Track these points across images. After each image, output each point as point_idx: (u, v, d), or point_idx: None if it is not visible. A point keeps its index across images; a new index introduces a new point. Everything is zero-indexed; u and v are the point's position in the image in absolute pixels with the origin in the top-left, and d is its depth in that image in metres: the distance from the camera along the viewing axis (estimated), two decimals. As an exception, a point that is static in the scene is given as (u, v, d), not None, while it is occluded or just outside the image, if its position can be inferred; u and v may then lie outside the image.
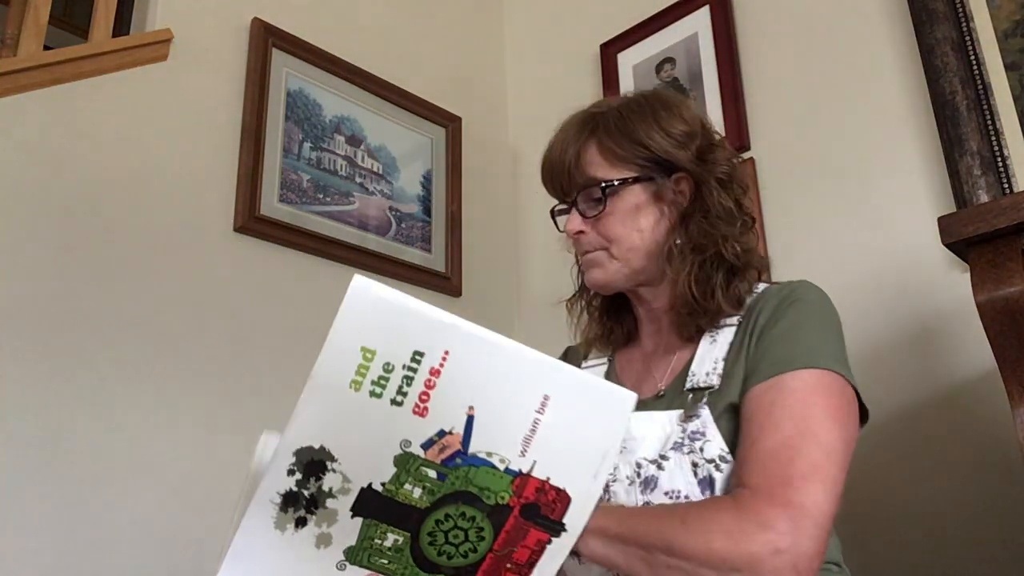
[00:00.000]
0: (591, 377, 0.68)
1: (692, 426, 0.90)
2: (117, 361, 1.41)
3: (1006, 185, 1.38)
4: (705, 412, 0.91)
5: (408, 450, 0.63)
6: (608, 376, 1.09)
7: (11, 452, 1.27)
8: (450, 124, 2.11)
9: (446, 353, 0.62)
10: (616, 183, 0.99)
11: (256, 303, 1.62)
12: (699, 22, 1.91)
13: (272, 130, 1.73)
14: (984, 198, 1.38)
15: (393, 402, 0.62)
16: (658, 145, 0.99)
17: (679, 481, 0.88)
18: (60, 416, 1.33)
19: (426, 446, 0.64)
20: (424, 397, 0.63)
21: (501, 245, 2.13)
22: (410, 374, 0.62)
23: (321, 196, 1.79)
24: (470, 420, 0.64)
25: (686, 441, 0.90)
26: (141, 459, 1.39)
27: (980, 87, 1.45)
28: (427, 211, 2.00)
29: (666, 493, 0.88)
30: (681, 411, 0.93)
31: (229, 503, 0.73)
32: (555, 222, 1.09)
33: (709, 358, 0.96)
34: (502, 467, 0.65)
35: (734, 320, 0.98)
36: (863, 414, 0.90)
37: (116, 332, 1.42)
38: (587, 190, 1.00)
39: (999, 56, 1.46)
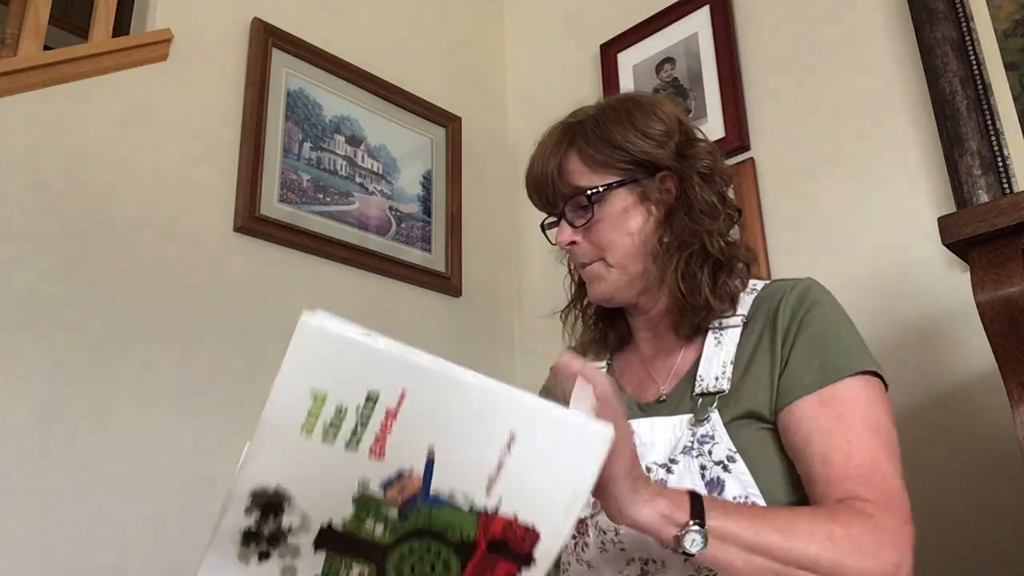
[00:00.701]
0: (564, 413, 0.63)
1: (702, 430, 0.91)
2: (117, 360, 1.41)
3: (1006, 185, 1.38)
4: (715, 416, 0.91)
5: (367, 492, 0.61)
6: None
7: (10, 452, 1.27)
8: (450, 124, 2.11)
9: (403, 393, 0.59)
10: (601, 189, 0.99)
11: (256, 303, 1.62)
12: (699, 22, 1.91)
13: (272, 130, 1.73)
14: (984, 198, 1.38)
15: (348, 446, 0.59)
16: (637, 147, 0.99)
17: (687, 484, 0.88)
18: (59, 415, 1.33)
19: (385, 486, 0.61)
20: (380, 440, 0.60)
21: (501, 245, 2.13)
22: (364, 417, 0.59)
23: (321, 196, 1.79)
24: (430, 462, 0.61)
25: (695, 445, 0.90)
26: (140, 458, 1.39)
27: (980, 87, 1.45)
28: (427, 211, 2.00)
29: None
30: (691, 415, 0.93)
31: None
32: (546, 235, 1.10)
33: (716, 362, 0.96)
34: (466, 506, 0.62)
35: (737, 320, 0.97)
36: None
37: (116, 332, 1.42)
38: (573, 200, 1.00)
39: (999, 56, 1.46)
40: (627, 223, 0.99)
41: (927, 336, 1.42)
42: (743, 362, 0.94)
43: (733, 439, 0.89)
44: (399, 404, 0.59)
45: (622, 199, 0.99)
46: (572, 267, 1.13)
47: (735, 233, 1.04)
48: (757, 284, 1.02)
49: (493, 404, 0.60)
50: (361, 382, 0.58)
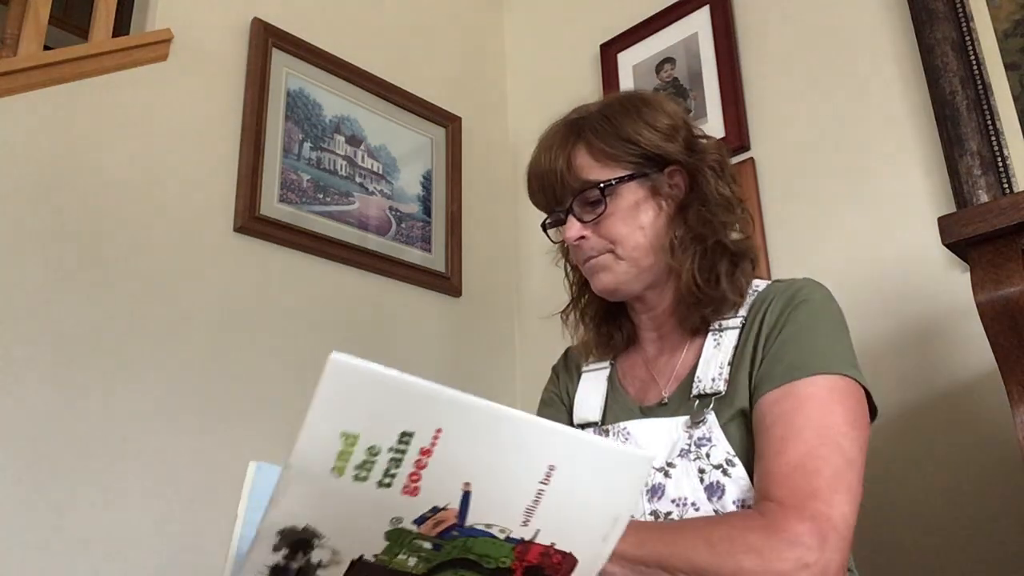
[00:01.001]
0: (603, 442, 0.64)
1: (698, 432, 0.90)
2: (116, 361, 1.41)
3: (1006, 185, 1.38)
4: (711, 418, 0.90)
5: (400, 526, 0.60)
6: (611, 382, 1.08)
7: (9, 452, 1.27)
8: (450, 124, 2.11)
9: (438, 431, 0.57)
10: (613, 182, 0.98)
11: (256, 303, 1.62)
12: (699, 22, 1.91)
13: (272, 130, 1.73)
14: (984, 198, 1.38)
15: (380, 484, 0.58)
16: (647, 140, 0.98)
17: (685, 488, 0.88)
18: (58, 415, 1.32)
19: (419, 522, 0.60)
20: (415, 477, 0.58)
21: (501, 245, 2.13)
22: (398, 456, 0.57)
23: (321, 196, 1.79)
24: (466, 496, 0.59)
25: (692, 448, 0.89)
26: (140, 458, 1.39)
27: (980, 87, 1.45)
28: (427, 211, 2.00)
29: (673, 500, 0.88)
30: (687, 417, 0.92)
31: (228, 504, 0.72)
32: (547, 235, 1.08)
33: (715, 363, 0.95)
34: (502, 536, 0.61)
35: (737, 322, 0.97)
36: (872, 412, 0.90)
37: (115, 332, 1.42)
38: (583, 194, 0.99)
39: (999, 56, 1.46)
40: (638, 217, 0.98)
41: (927, 336, 1.42)
42: (736, 362, 0.94)
43: (730, 440, 0.89)
44: (434, 442, 0.57)
45: (633, 192, 0.99)
46: (570, 267, 1.12)
47: (748, 228, 1.04)
48: (759, 285, 1.01)
49: (531, 437, 0.59)
50: (395, 421, 0.57)
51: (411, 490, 0.58)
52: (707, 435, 0.89)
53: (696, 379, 0.95)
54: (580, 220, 0.99)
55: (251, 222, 1.63)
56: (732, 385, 0.92)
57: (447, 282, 1.96)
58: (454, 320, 1.96)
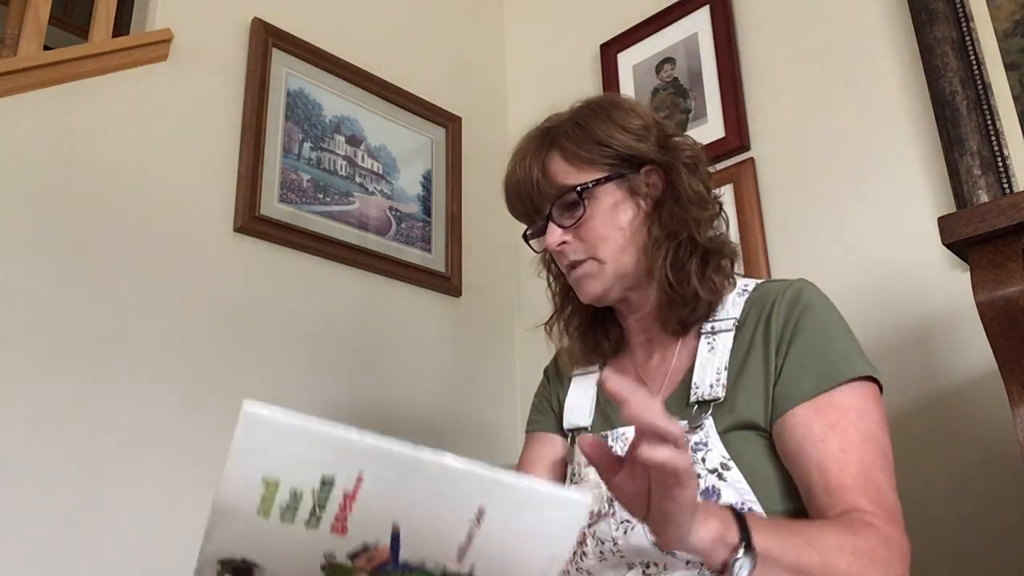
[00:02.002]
0: (537, 486, 0.61)
1: (695, 438, 0.90)
2: (116, 361, 1.41)
3: (1006, 185, 1.38)
4: (708, 423, 0.90)
5: (335, 561, 0.60)
6: (599, 392, 1.07)
7: (8, 451, 1.27)
8: (450, 124, 2.11)
9: (360, 475, 0.57)
10: (590, 184, 0.98)
11: (256, 303, 1.62)
12: (699, 22, 1.90)
13: (272, 130, 1.73)
14: (984, 198, 1.38)
15: (308, 525, 0.58)
16: (619, 141, 0.98)
17: None
18: (58, 415, 1.32)
19: (353, 556, 0.60)
20: (341, 517, 0.58)
21: (501, 245, 2.13)
22: (321, 499, 0.58)
23: (321, 196, 1.79)
24: (396, 534, 0.60)
25: (689, 453, 0.89)
26: (139, 459, 1.39)
27: (980, 87, 1.45)
28: (427, 211, 2.00)
29: None
30: (684, 423, 0.91)
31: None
32: (530, 246, 1.09)
33: (711, 368, 0.95)
34: (438, 572, 0.61)
35: (729, 324, 0.96)
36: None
37: (115, 332, 1.42)
38: (561, 199, 0.99)
39: (999, 56, 1.46)
40: (618, 217, 0.99)
41: (927, 336, 1.42)
42: (736, 368, 0.93)
43: (728, 448, 0.88)
44: (357, 486, 0.57)
45: (611, 194, 0.99)
46: (551, 277, 1.13)
47: (721, 224, 1.04)
48: (748, 284, 1.01)
49: (457, 482, 0.59)
50: (314, 467, 0.57)
51: (340, 529, 0.58)
52: (703, 440, 0.89)
53: (694, 385, 0.95)
54: (560, 226, 0.99)
55: (251, 222, 1.63)
56: (732, 392, 0.92)
57: (447, 282, 1.96)
58: (454, 320, 1.96)
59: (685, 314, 0.97)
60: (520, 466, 1.12)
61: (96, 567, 1.30)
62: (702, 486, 0.87)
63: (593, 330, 1.10)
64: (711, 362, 0.95)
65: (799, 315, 0.92)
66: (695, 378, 0.95)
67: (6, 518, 1.24)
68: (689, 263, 0.96)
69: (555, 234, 1.00)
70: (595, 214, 0.98)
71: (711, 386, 0.93)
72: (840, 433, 0.85)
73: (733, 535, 0.70)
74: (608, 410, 1.04)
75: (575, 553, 0.92)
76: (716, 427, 0.90)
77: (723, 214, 1.04)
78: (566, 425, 1.08)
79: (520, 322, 2.10)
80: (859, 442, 0.85)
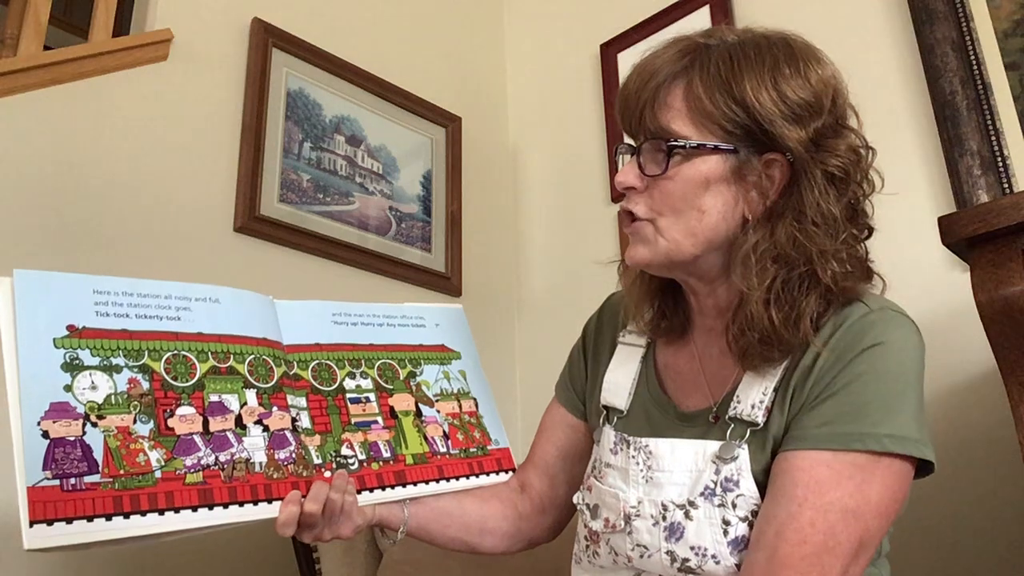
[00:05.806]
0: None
1: (726, 470, 0.78)
2: (117, 361, 1.41)
3: (1006, 185, 1.38)
4: (743, 455, 0.78)
5: None
6: (643, 372, 0.94)
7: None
8: (450, 124, 2.11)
9: None
10: (688, 146, 0.79)
11: (256, 303, 1.61)
12: (699, 22, 1.91)
13: (272, 130, 1.73)
14: (984, 198, 1.38)
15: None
16: (763, 110, 0.78)
17: (707, 538, 0.78)
18: (60, 416, 1.32)
19: None
20: None
21: (501, 245, 2.13)
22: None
23: (321, 196, 1.79)
24: None
25: (718, 490, 0.78)
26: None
27: (980, 87, 1.45)
28: (427, 211, 2.00)
29: (692, 548, 0.78)
30: (718, 447, 0.79)
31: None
32: (618, 161, 0.89)
33: (758, 386, 0.81)
34: None
35: None
36: (927, 465, 0.77)
37: (116, 332, 1.42)
38: (653, 141, 0.80)
39: (999, 56, 1.46)
40: (702, 197, 0.80)
41: (927, 336, 1.40)
42: (782, 392, 0.79)
43: (759, 487, 0.77)
44: None
45: (709, 167, 0.79)
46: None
47: (856, 260, 0.83)
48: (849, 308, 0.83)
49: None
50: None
51: None
52: (735, 477, 0.77)
53: (735, 399, 0.82)
54: (641, 169, 0.82)
55: (251, 222, 1.63)
56: (771, 417, 0.79)
57: (447, 282, 1.96)
58: (454, 320, 1.96)
59: (777, 355, 0.79)
60: (539, 431, 1.06)
61: (94, 565, 1.30)
62: (732, 535, 0.76)
63: (658, 298, 0.91)
64: (761, 380, 0.81)
65: (861, 349, 0.76)
66: (739, 391, 0.82)
67: (5, 519, 1.24)
68: (804, 301, 0.77)
69: (630, 175, 0.82)
70: (676, 178, 0.80)
71: (753, 406, 0.80)
72: (821, 510, 0.72)
73: None
74: (650, 406, 0.91)
75: (587, 547, 0.89)
76: (751, 462, 0.78)
77: (863, 251, 0.84)
78: (603, 402, 0.95)
79: (520, 322, 2.10)
80: (837, 522, 0.71)
